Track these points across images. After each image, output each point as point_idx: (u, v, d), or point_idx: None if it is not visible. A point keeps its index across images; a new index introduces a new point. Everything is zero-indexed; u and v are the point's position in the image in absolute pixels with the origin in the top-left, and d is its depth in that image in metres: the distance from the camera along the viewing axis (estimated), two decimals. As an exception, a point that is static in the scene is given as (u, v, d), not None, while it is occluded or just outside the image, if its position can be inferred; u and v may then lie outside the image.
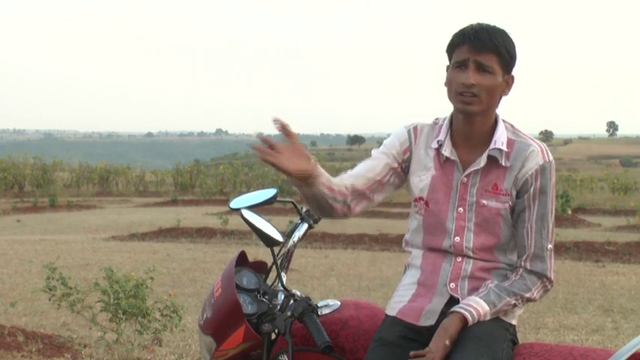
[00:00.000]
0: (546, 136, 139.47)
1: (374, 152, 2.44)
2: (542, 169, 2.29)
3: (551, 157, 2.31)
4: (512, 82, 2.32)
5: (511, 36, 2.30)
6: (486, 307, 2.22)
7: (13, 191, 30.09)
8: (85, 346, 5.65)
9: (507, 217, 2.32)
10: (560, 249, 11.75)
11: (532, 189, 2.28)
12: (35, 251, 11.54)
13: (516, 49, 2.31)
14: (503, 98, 2.34)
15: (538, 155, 2.29)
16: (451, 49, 2.31)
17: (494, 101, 2.30)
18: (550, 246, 2.32)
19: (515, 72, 2.33)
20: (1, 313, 6.91)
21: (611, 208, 22.83)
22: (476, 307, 2.22)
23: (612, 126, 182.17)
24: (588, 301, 7.79)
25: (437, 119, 2.43)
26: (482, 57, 2.24)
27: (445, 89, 2.34)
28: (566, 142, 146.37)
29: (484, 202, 2.31)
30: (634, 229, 16.29)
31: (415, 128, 2.42)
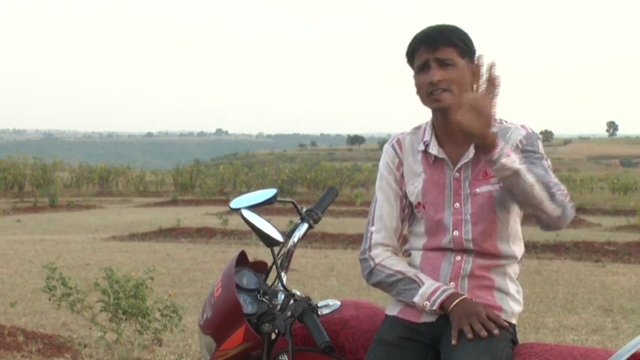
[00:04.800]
0: (546, 136, 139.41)
1: (378, 194, 2.48)
2: (526, 137, 2.30)
3: (534, 130, 2.33)
4: (479, 71, 2.33)
5: (463, 29, 2.35)
6: (516, 157, 2.16)
7: (13, 191, 30.07)
8: (85, 346, 5.65)
9: (501, 197, 2.31)
10: (560, 249, 11.77)
11: (518, 152, 2.25)
12: (35, 251, 11.54)
13: (472, 40, 2.35)
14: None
15: (519, 130, 2.32)
16: (410, 57, 2.38)
17: (465, 92, 2.30)
18: (563, 188, 2.30)
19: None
20: (1, 313, 6.92)
21: (611, 208, 22.81)
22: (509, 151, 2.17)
23: (612, 126, 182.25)
24: (588, 301, 7.79)
25: (418, 125, 2.47)
26: (440, 53, 2.30)
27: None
28: (566, 142, 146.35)
29: (477, 190, 2.32)
30: (634, 229, 16.29)
31: (398, 141, 2.46)
